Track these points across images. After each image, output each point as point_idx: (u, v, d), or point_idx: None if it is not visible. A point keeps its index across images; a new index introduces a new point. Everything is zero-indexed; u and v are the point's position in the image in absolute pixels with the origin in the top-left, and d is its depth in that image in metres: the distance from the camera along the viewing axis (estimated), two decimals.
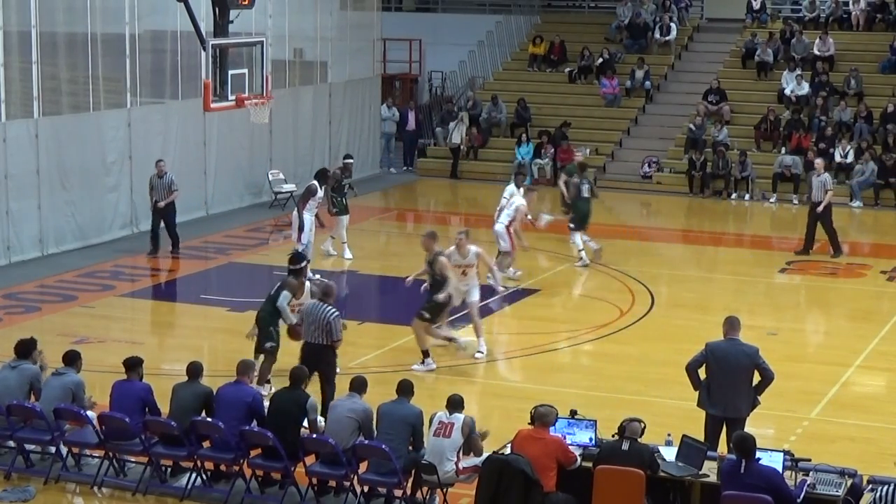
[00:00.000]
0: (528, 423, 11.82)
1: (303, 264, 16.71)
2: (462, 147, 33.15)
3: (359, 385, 12.67)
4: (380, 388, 13.37)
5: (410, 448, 12.29)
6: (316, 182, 21.91)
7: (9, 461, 13.28)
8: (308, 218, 21.40)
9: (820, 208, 23.68)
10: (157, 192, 23.10)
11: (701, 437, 12.42)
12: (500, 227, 21.34)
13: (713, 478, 11.44)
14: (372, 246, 24.50)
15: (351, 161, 24.43)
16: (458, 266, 17.50)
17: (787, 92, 32.73)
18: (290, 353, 17.64)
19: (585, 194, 23.03)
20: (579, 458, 11.72)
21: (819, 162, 24.99)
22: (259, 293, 20.05)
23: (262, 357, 15.62)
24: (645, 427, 11.71)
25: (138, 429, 12.83)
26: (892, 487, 10.11)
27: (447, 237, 23.16)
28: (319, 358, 14.55)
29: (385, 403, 12.45)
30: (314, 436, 12.43)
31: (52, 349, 15.71)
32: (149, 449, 12.87)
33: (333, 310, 14.61)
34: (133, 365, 13.16)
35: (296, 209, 21.75)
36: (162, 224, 23.21)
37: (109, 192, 24.59)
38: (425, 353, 16.94)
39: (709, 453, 11.77)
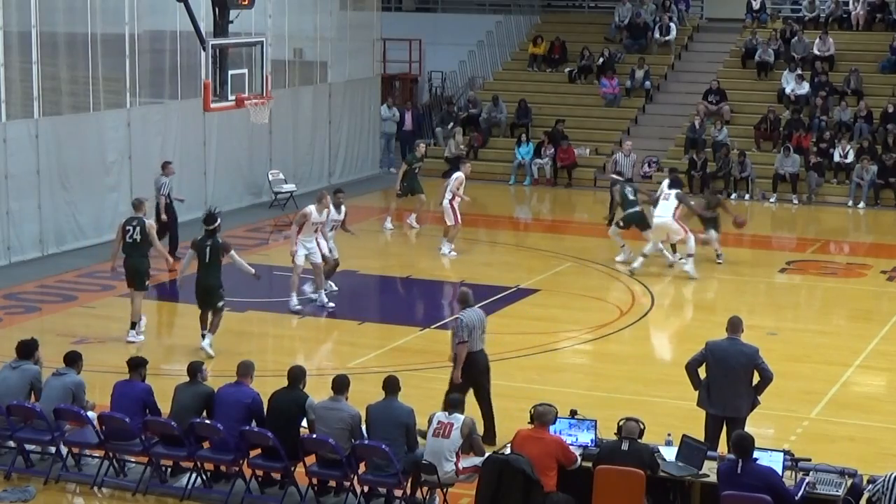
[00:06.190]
0: (528, 423, 11.82)
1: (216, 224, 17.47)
2: (462, 148, 33.12)
3: (340, 385, 12.44)
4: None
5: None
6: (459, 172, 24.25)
7: (9, 461, 13.27)
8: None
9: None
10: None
11: (701, 437, 12.42)
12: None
13: (713, 478, 11.42)
14: (372, 246, 24.48)
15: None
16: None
17: (787, 92, 32.72)
18: (289, 352, 17.67)
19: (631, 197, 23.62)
20: (579, 458, 11.72)
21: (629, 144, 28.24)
22: (259, 293, 20.14)
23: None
24: (644, 427, 11.71)
25: (138, 429, 12.83)
26: (892, 476, 10.20)
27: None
28: (487, 367, 14.30)
29: (373, 405, 12.33)
30: (314, 436, 12.43)
31: (52, 349, 15.73)
32: (149, 449, 12.87)
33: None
34: (136, 365, 13.16)
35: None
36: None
37: (109, 192, 24.56)
38: None
39: (709, 453, 11.77)
